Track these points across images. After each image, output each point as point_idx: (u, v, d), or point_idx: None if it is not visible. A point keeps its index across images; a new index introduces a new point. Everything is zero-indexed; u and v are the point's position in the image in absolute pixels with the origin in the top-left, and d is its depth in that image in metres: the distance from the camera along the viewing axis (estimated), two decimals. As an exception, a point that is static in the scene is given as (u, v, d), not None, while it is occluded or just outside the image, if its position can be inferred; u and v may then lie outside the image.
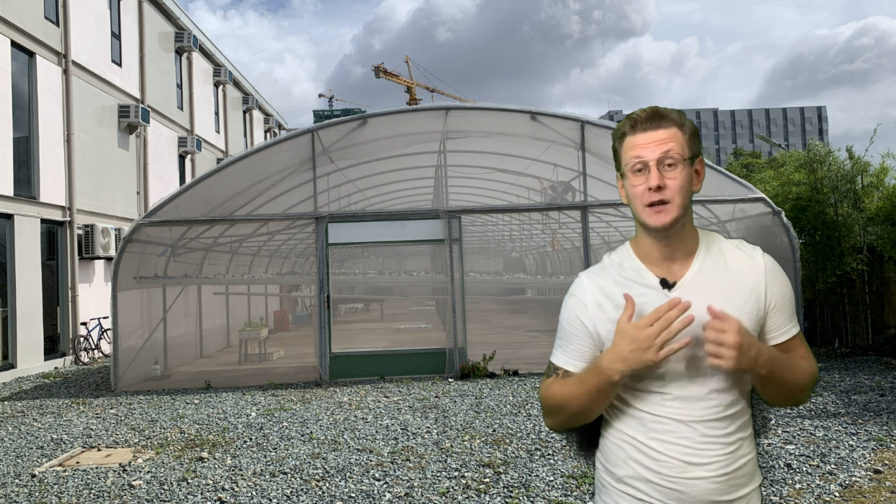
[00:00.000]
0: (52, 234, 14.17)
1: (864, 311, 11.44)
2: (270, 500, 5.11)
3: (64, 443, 7.16)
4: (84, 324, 14.67)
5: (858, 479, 5.10)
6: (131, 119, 17.02)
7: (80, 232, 14.71)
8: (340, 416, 7.87)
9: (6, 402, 9.76)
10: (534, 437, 6.60)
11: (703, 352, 1.58)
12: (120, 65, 17.13)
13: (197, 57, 22.61)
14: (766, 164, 32.19)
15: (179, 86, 21.35)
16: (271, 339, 16.09)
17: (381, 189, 15.77)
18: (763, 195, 10.54)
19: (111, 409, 8.88)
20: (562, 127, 11.03)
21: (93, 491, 5.47)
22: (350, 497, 5.08)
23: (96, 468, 6.11)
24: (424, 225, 10.86)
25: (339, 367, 10.49)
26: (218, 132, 25.11)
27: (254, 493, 5.27)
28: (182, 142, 20.91)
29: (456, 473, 5.55)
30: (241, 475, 5.73)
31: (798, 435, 6.37)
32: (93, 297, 15.25)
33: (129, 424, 7.87)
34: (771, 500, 4.76)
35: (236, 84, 27.36)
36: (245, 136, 28.76)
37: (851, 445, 5.97)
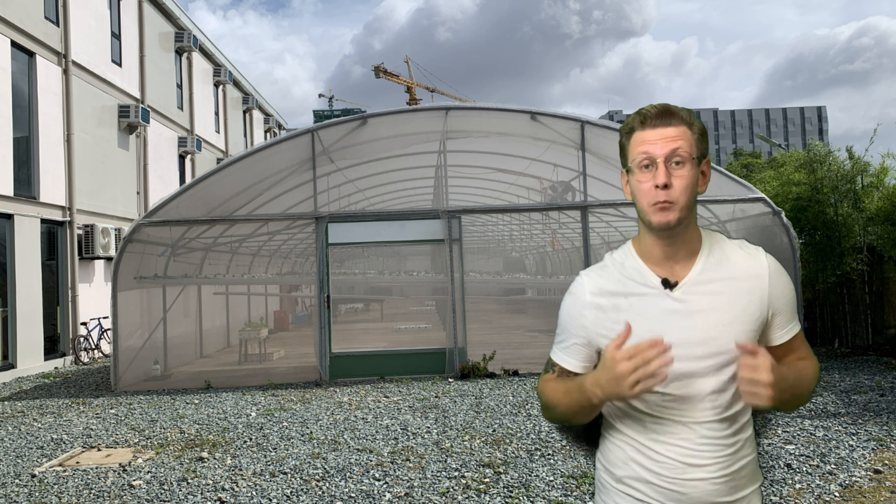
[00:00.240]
0: (52, 234, 14.17)
1: (864, 311, 11.45)
2: (270, 500, 5.11)
3: (64, 443, 7.16)
4: (84, 324, 14.67)
5: (858, 479, 5.10)
6: (131, 119, 17.02)
7: (80, 232, 14.71)
8: (340, 416, 7.87)
9: (6, 402, 9.76)
10: (534, 437, 6.60)
11: (704, 352, 1.58)
12: (120, 65, 17.13)
13: (197, 57, 22.61)
14: (766, 164, 32.19)
15: (179, 86, 21.35)
16: (271, 339, 16.08)
17: (381, 189, 15.77)
18: (763, 195, 10.54)
19: (111, 409, 8.88)
20: (562, 127, 11.03)
21: (93, 491, 5.47)
22: (350, 497, 5.08)
23: (96, 468, 6.11)
24: (424, 225, 10.85)
25: (339, 367, 10.49)
26: (218, 132, 25.11)
27: (254, 493, 5.27)
28: (182, 142, 20.92)
29: (456, 473, 5.55)
30: (241, 475, 5.73)
31: (798, 435, 6.37)
32: (93, 297, 15.25)
33: (129, 424, 7.87)
34: (771, 500, 4.76)
35: (236, 84, 27.36)
36: (245, 136, 28.77)
37: (851, 445, 5.97)
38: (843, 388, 8.40)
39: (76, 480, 5.77)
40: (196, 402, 9.08)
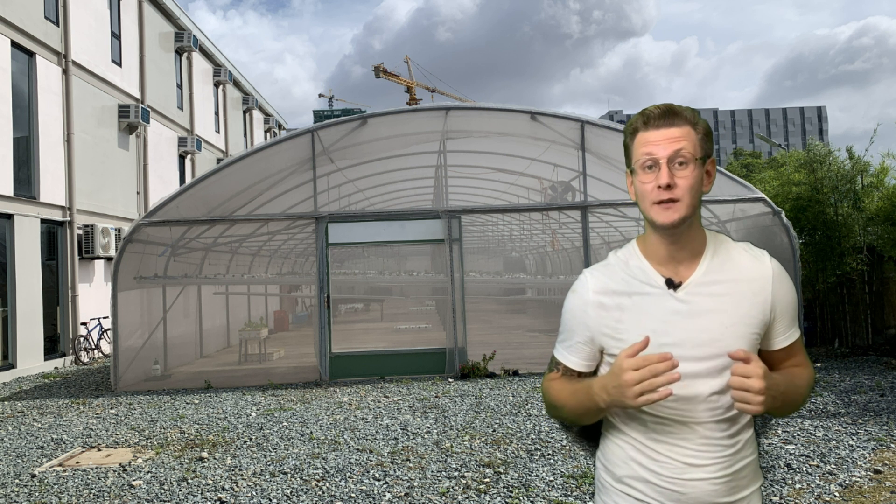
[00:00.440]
0: (52, 234, 14.17)
1: (864, 311, 11.45)
2: (270, 500, 5.11)
3: (64, 443, 7.16)
4: (84, 324, 14.67)
5: (858, 479, 5.10)
6: (131, 119, 17.02)
7: (80, 232, 14.71)
8: (340, 416, 7.87)
9: (6, 402, 9.76)
10: (534, 437, 6.60)
11: (706, 353, 1.58)
12: (120, 65, 17.13)
13: (197, 57, 22.61)
14: (766, 164, 32.19)
15: (179, 86, 21.35)
16: (271, 339, 16.09)
17: (381, 189, 15.77)
18: (763, 195, 10.54)
19: (111, 409, 8.88)
20: (562, 127, 11.02)
21: (93, 491, 5.47)
22: (350, 497, 5.08)
23: (96, 468, 6.11)
24: (424, 225, 10.86)
25: (339, 367, 10.49)
26: (218, 132, 25.11)
27: (254, 493, 5.27)
28: (182, 142, 20.91)
29: (456, 473, 5.55)
30: (241, 475, 5.73)
31: (798, 435, 6.37)
32: (93, 297, 15.25)
33: (129, 424, 7.87)
34: (771, 500, 4.76)
35: (236, 84, 27.36)
36: (245, 136, 28.77)
37: (851, 445, 5.97)
38: (843, 388, 8.40)
39: (76, 480, 5.77)
40: (196, 402, 9.08)
